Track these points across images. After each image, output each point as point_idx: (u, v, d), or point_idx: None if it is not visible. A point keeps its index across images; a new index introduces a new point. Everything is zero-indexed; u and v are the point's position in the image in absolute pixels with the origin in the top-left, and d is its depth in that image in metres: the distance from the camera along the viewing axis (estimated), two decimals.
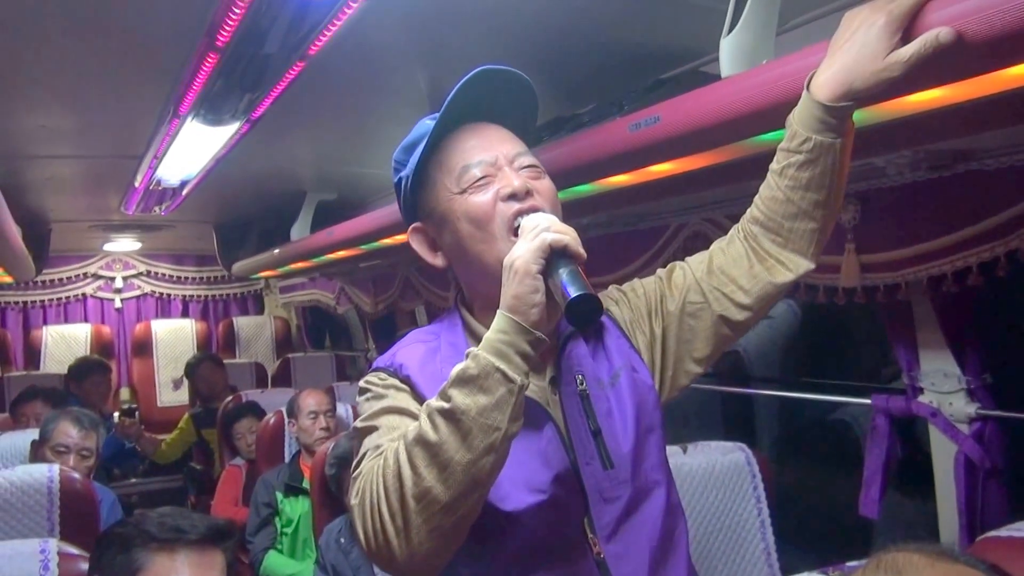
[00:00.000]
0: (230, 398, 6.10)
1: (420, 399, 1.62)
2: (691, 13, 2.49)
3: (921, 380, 2.69)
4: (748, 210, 1.74)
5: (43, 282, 8.90)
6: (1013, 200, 2.18)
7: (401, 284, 6.07)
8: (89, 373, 6.87)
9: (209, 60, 2.72)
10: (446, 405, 1.38)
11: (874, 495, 2.80)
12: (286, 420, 4.89)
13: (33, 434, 3.93)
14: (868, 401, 2.88)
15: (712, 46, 2.13)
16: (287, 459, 4.84)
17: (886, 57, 1.37)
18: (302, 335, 9.41)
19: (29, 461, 3.78)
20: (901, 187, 2.42)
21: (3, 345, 8.49)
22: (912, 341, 2.69)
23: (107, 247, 8.85)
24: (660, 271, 1.86)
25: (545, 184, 1.68)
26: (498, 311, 1.44)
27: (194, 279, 9.72)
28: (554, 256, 1.43)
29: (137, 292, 9.49)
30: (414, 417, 1.54)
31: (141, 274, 9.46)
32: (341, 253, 5.15)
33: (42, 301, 9.03)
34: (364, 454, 1.54)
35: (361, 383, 1.72)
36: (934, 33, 1.30)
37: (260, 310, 10.10)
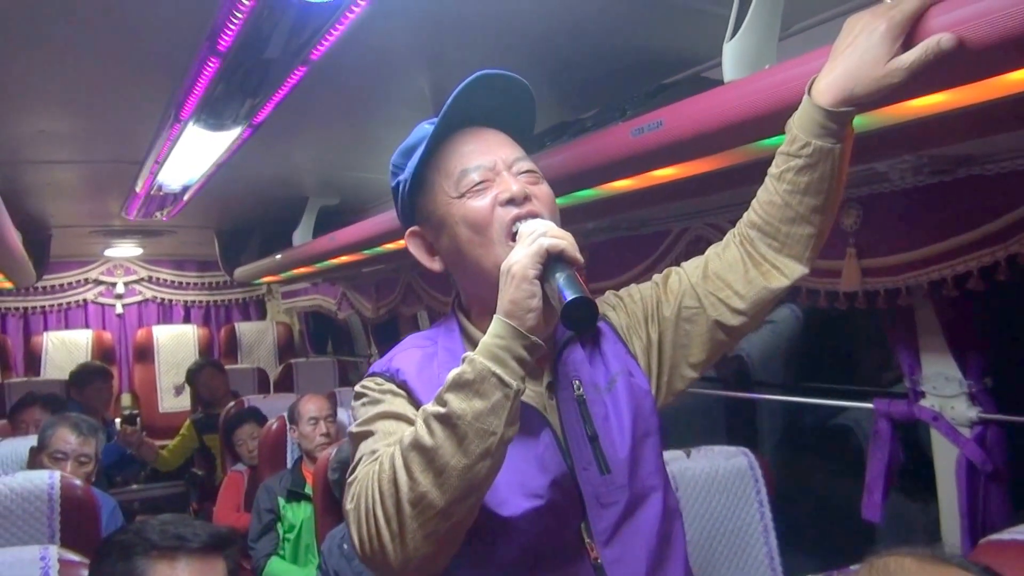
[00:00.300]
0: (232, 404, 6.08)
1: (417, 404, 1.62)
2: (694, 18, 2.49)
3: (923, 384, 2.69)
4: (745, 214, 1.74)
5: (44, 288, 8.89)
6: (1013, 205, 2.19)
7: (403, 289, 6.07)
8: (91, 379, 6.85)
9: (210, 65, 2.72)
10: (442, 410, 1.37)
11: (876, 499, 2.81)
12: (288, 426, 4.87)
13: (32, 441, 3.89)
14: (870, 405, 2.88)
15: (715, 51, 2.13)
16: (289, 465, 4.82)
17: (888, 63, 1.38)
18: (304, 340, 9.42)
19: (27, 468, 3.75)
20: (902, 192, 2.43)
21: (3, 351, 8.49)
22: (913, 345, 2.69)
23: (108, 252, 8.85)
24: (656, 276, 1.86)
25: (543, 189, 1.67)
26: (495, 316, 1.44)
27: (196, 284, 9.72)
28: (551, 261, 1.43)
29: (138, 298, 9.49)
30: (410, 422, 1.54)
31: (142, 279, 9.46)
32: (343, 258, 5.15)
33: (43, 307, 9.02)
34: (360, 459, 1.54)
35: (357, 388, 1.72)
36: (935, 39, 1.31)
37: (262, 315, 10.10)
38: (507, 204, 1.60)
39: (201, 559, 1.87)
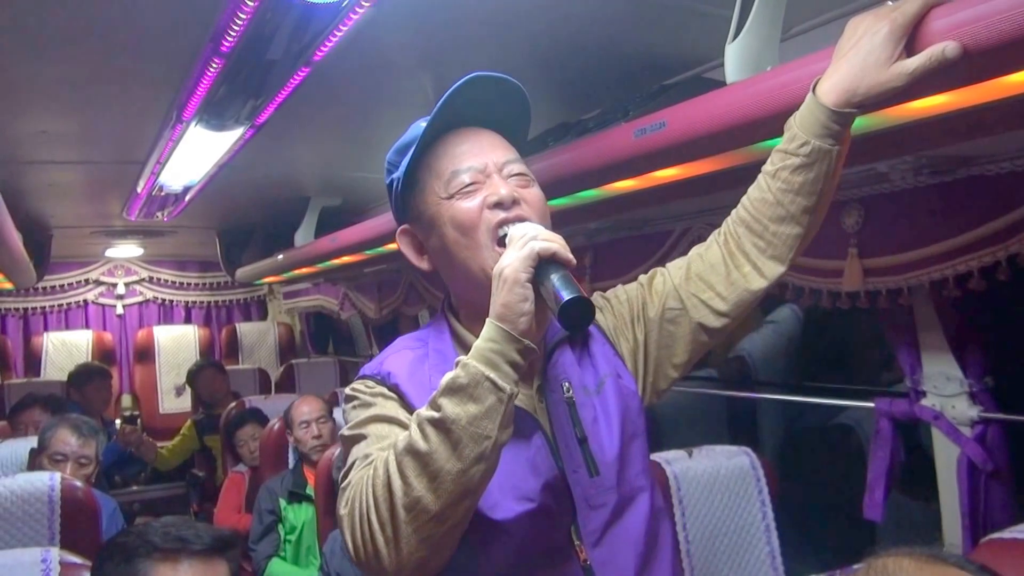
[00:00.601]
0: (233, 404, 6.08)
1: (409, 408, 1.62)
2: (696, 20, 2.50)
3: (923, 383, 2.69)
4: (733, 211, 1.75)
5: (44, 288, 8.88)
6: (1013, 205, 2.19)
7: (405, 289, 6.06)
8: (90, 379, 6.83)
9: (214, 65, 2.72)
10: (436, 414, 1.37)
11: (878, 498, 2.81)
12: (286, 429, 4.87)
13: (32, 442, 3.88)
14: (871, 405, 2.88)
15: (717, 52, 2.14)
16: (291, 466, 4.82)
17: (891, 67, 1.39)
18: (306, 341, 9.41)
19: (27, 469, 3.74)
20: (903, 192, 2.43)
21: (3, 352, 8.47)
22: (914, 345, 2.69)
23: (109, 253, 8.83)
24: (642, 277, 1.87)
25: (533, 193, 1.67)
26: (487, 319, 1.44)
27: (197, 285, 9.71)
28: (544, 264, 1.43)
29: (139, 298, 9.48)
30: (403, 426, 1.55)
31: (143, 280, 9.45)
32: (345, 259, 5.15)
33: (43, 308, 9.01)
34: (352, 463, 1.54)
35: (348, 390, 1.71)
36: (940, 48, 1.32)
37: (264, 316, 10.10)
38: (495, 207, 1.60)
39: (203, 561, 1.87)
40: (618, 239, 3.58)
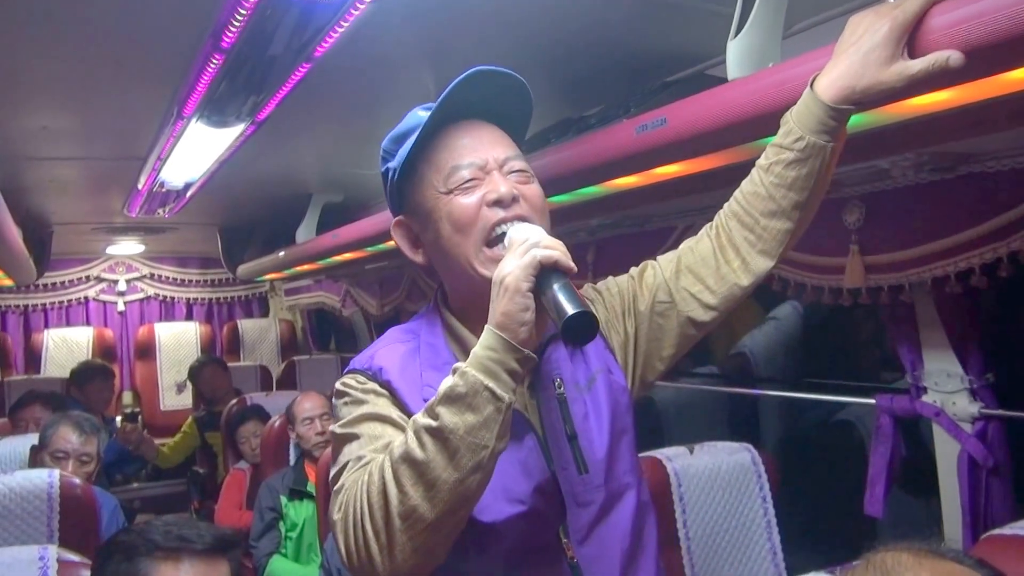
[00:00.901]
0: (234, 401, 6.07)
1: (400, 404, 1.62)
2: (698, 16, 2.50)
3: (924, 380, 2.70)
4: (726, 204, 1.75)
5: (45, 285, 8.89)
6: (1014, 202, 2.19)
7: (407, 285, 6.06)
8: (92, 378, 6.83)
9: (214, 61, 2.72)
10: (434, 423, 1.37)
11: (879, 494, 2.81)
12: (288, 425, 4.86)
13: (32, 439, 3.88)
14: (872, 401, 2.89)
15: (719, 49, 2.14)
16: (292, 463, 4.82)
17: (892, 66, 1.39)
18: (307, 337, 9.41)
19: (28, 467, 3.74)
20: (905, 189, 2.43)
21: (4, 349, 8.48)
22: (915, 341, 2.70)
23: (110, 250, 8.82)
24: (633, 270, 1.86)
25: (533, 190, 1.66)
26: (486, 327, 1.42)
27: (198, 282, 9.71)
28: (544, 272, 1.42)
29: (140, 295, 9.48)
30: (395, 425, 1.55)
31: (144, 277, 9.46)
32: (347, 255, 5.15)
33: (43, 304, 9.02)
34: (345, 464, 1.53)
35: (338, 385, 1.70)
36: (945, 56, 1.32)
37: (265, 313, 10.10)
38: (494, 205, 1.59)
39: (205, 561, 1.87)
40: (620, 236, 3.58)
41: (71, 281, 9.14)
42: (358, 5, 2.35)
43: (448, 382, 1.39)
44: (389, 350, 1.71)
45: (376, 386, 1.64)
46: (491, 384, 1.37)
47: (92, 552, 2.38)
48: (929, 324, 2.65)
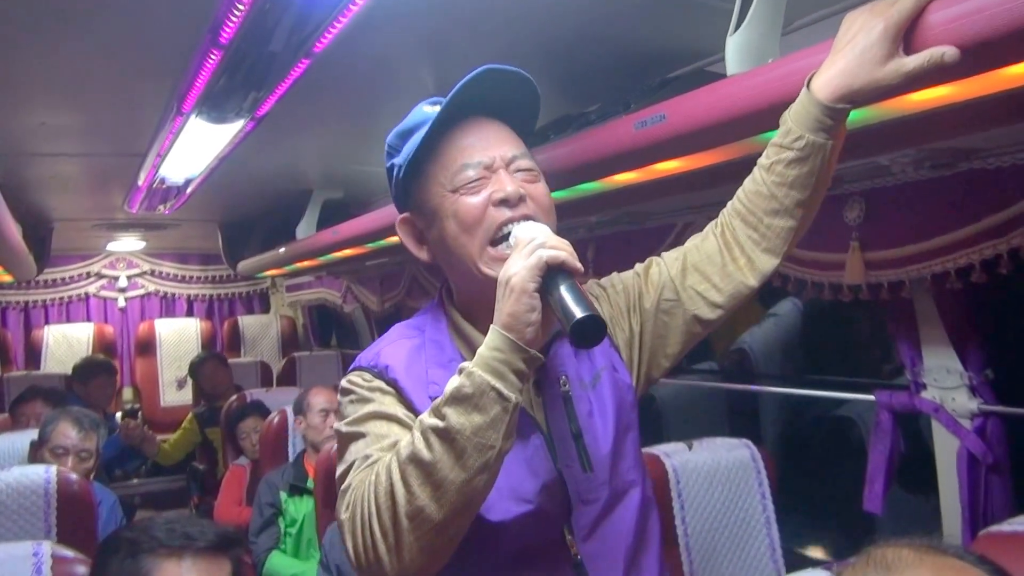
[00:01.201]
0: (234, 397, 6.07)
1: (406, 402, 1.62)
2: (697, 12, 2.49)
3: (924, 376, 2.70)
4: (729, 203, 1.75)
5: (45, 281, 8.91)
6: (1014, 198, 2.19)
7: (408, 282, 6.07)
8: (97, 374, 6.80)
9: (212, 57, 2.72)
10: (440, 424, 1.37)
11: (878, 490, 2.82)
12: (292, 417, 4.84)
13: (32, 434, 3.86)
14: (872, 397, 2.89)
15: (718, 45, 2.14)
16: (291, 459, 4.81)
17: (887, 64, 1.38)
18: (308, 334, 9.42)
19: (28, 462, 3.72)
20: (904, 185, 2.43)
21: (4, 345, 8.49)
22: (915, 337, 2.70)
23: (111, 246, 8.87)
24: (639, 266, 1.85)
25: (540, 189, 1.65)
26: (492, 327, 1.42)
27: (199, 278, 9.73)
28: (551, 272, 1.42)
29: (141, 291, 9.50)
30: (401, 423, 1.55)
31: (145, 273, 9.47)
32: (347, 252, 5.15)
33: (44, 301, 9.04)
34: (352, 463, 1.53)
35: (343, 383, 1.69)
36: (940, 52, 1.31)
37: (266, 309, 10.12)
38: (500, 205, 1.58)
39: (207, 559, 1.87)
40: (620, 232, 3.58)
41: (72, 277, 9.16)
42: (357, 1, 2.34)
43: (455, 382, 1.39)
44: (394, 347, 1.71)
45: (382, 384, 1.64)
46: (498, 384, 1.37)
47: (89, 548, 2.38)
48: (929, 320, 2.65)
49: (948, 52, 1.30)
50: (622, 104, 2.50)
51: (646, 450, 2.74)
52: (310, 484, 4.33)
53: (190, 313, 9.68)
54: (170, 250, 9.40)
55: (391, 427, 1.55)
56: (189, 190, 5.42)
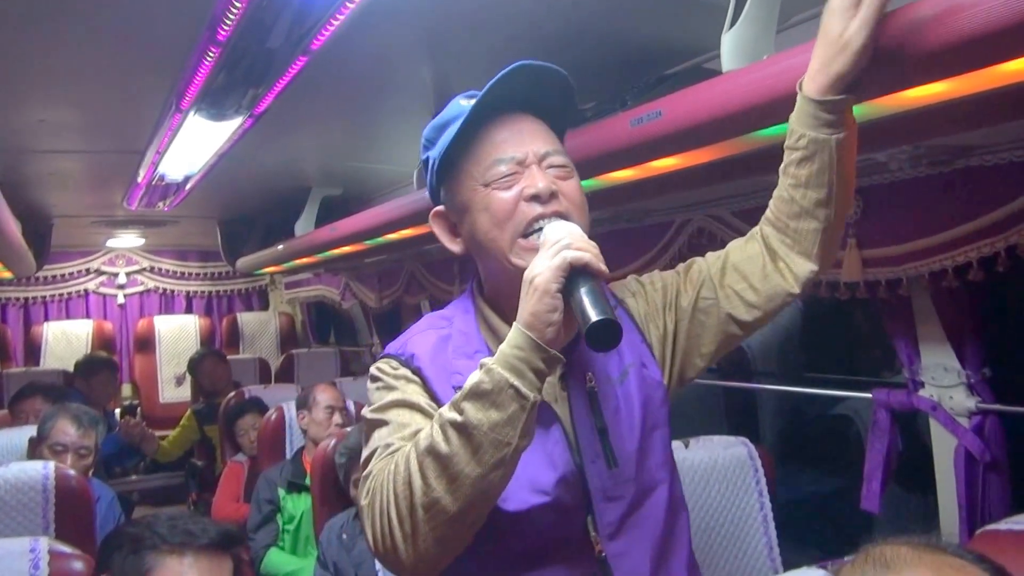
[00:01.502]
0: (232, 394, 6.08)
1: (430, 392, 1.63)
2: (693, 9, 2.50)
3: (921, 374, 2.70)
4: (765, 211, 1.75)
5: (45, 278, 8.92)
6: (1012, 196, 2.19)
7: (406, 278, 6.08)
8: (98, 371, 6.78)
9: (211, 54, 2.72)
10: (459, 418, 1.38)
11: (875, 489, 2.81)
12: (295, 412, 4.83)
13: (31, 431, 3.85)
14: (869, 395, 2.89)
15: (714, 42, 2.14)
16: (289, 455, 4.82)
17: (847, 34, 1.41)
18: (307, 330, 9.42)
19: (27, 458, 3.71)
20: (902, 182, 2.43)
21: (3, 341, 8.50)
22: (912, 335, 2.69)
23: (110, 243, 8.88)
24: (680, 265, 1.86)
25: (572, 185, 1.66)
26: (514, 324, 1.44)
27: (198, 275, 9.75)
28: (574, 273, 1.43)
29: (140, 288, 9.51)
30: (423, 412, 1.57)
31: (144, 270, 9.48)
32: (346, 248, 5.16)
33: (43, 297, 9.05)
34: (374, 451, 1.55)
35: (372, 369, 1.71)
36: None
37: (265, 306, 10.13)
38: (531, 200, 1.59)
39: (209, 556, 1.89)
40: (617, 230, 3.57)
41: (71, 274, 9.17)
42: None
43: (474, 377, 1.41)
44: (422, 336, 1.73)
45: (408, 372, 1.66)
46: (516, 382, 1.38)
47: (87, 544, 2.38)
48: (926, 318, 2.64)
49: None
50: (618, 101, 2.49)
51: None
52: (308, 481, 4.33)
53: (189, 310, 9.69)
54: (169, 247, 9.41)
55: (414, 416, 1.58)
56: (188, 187, 5.43)
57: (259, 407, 5.54)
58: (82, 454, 3.67)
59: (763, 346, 4.38)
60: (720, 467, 2.80)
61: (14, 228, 4.77)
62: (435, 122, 1.75)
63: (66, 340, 8.64)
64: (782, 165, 1.64)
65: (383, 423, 1.58)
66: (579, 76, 2.99)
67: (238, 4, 2.34)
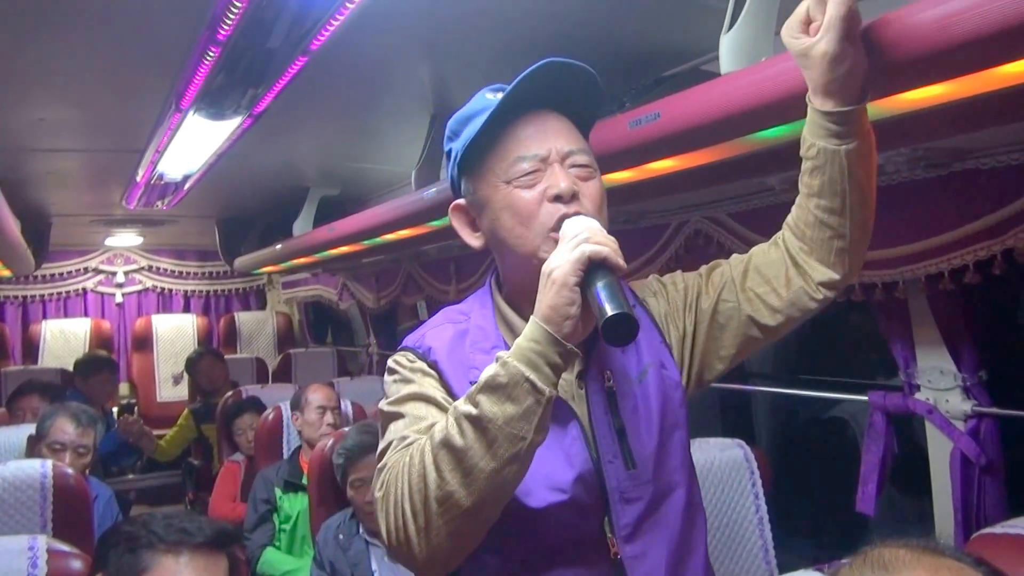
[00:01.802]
0: (230, 393, 6.06)
1: (447, 387, 1.63)
2: (691, 11, 2.50)
3: (918, 377, 2.70)
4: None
5: (43, 276, 8.92)
6: (1009, 198, 2.20)
7: (404, 279, 6.08)
8: (99, 370, 6.76)
9: (210, 54, 2.72)
10: (474, 411, 1.38)
11: (871, 491, 2.82)
12: (289, 413, 4.85)
13: (29, 429, 3.85)
14: (865, 398, 2.89)
15: (712, 45, 2.14)
16: (286, 455, 4.81)
17: (820, 42, 1.43)
18: (304, 330, 9.42)
19: (25, 456, 3.72)
20: (899, 185, 2.43)
21: (1, 339, 8.50)
22: (909, 338, 2.70)
23: (108, 242, 8.88)
24: (703, 267, 1.85)
25: (593, 187, 1.65)
26: (531, 318, 1.43)
27: (196, 274, 9.75)
28: (593, 267, 1.42)
29: (138, 287, 9.51)
30: (440, 406, 1.57)
31: (142, 269, 9.48)
32: (343, 249, 5.16)
33: (42, 296, 9.05)
34: (389, 443, 1.55)
35: (390, 362, 1.71)
36: None
37: (262, 305, 10.13)
38: (555, 200, 1.58)
39: (204, 555, 1.88)
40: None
41: (69, 272, 9.17)
42: None
43: (490, 370, 1.41)
44: (440, 330, 1.73)
45: (424, 365, 1.66)
46: (532, 376, 1.38)
47: (85, 542, 2.38)
48: (923, 321, 2.65)
49: None
50: (616, 102, 2.49)
51: None
52: (305, 480, 4.32)
53: (187, 309, 9.69)
54: (167, 246, 9.41)
55: (429, 409, 1.57)
56: (187, 186, 5.43)
57: (257, 407, 5.52)
58: (80, 453, 3.67)
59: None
60: (716, 469, 2.80)
61: (13, 227, 4.77)
62: (460, 114, 1.74)
63: (64, 339, 8.64)
64: (800, 174, 1.64)
65: (399, 416, 1.58)
66: None
67: (238, 4, 2.34)
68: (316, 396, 4.65)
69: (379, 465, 1.54)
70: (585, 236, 1.45)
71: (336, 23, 2.51)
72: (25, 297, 8.97)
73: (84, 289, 9.27)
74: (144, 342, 8.96)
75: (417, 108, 3.52)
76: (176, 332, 9.08)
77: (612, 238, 1.48)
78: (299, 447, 4.66)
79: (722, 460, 2.82)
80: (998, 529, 1.89)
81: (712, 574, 1.79)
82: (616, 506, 1.62)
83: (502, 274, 1.78)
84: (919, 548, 1.14)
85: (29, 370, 7.42)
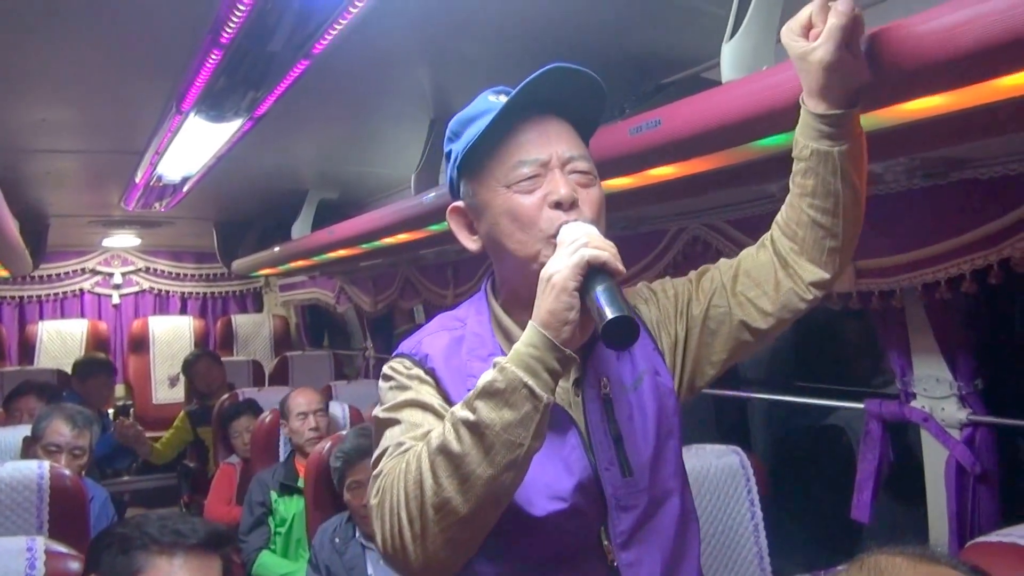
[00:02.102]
0: (225, 396, 6.06)
1: (444, 393, 1.62)
2: (693, 19, 2.51)
3: (914, 385, 2.70)
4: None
5: (40, 277, 8.91)
6: (1006, 208, 2.20)
7: (401, 283, 6.08)
8: (97, 372, 6.74)
9: (213, 57, 2.73)
10: (471, 417, 1.37)
11: (866, 499, 2.82)
12: (280, 420, 4.86)
13: (25, 430, 3.87)
14: (861, 406, 2.89)
15: (713, 52, 2.15)
16: (282, 458, 4.80)
17: (815, 51, 1.44)
18: (301, 333, 9.41)
19: (21, 458, 3.73)
20: (897, 194, 2.44)
21: None
22: (905, 347, 2.70)
23: (106, 243, 8.87)
24: (692, 273, 1.84)
25: (593, 193, 1.64)
26: (530, 323, 1.43)
27: (193, 276, 9.74)
28: (592, 272, 1.42)
29: (135, 288, 9.50)
30: (436, 413, 1.55)
31: (140, 270, 9.48)
32: (341, 252, 5.16)
33: (38, 296, 9.03)
34: (385, 450, 1.54)
35: (385, 368, 1.70)
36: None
37: (259, 308, 10.12)
38: (555, 207, 1.57)
39: (198, 556, 1.88)
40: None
41: (67, 273, 9.16)
42: (356, 3, 2.35)
43: (488, 376, 1.40)
44: (435, 337, 1.71)
45: (421, 372, 1.65)
46: (530, 382, 1.37)
47: (81, 544, 2.38)
48: (919, 329, 2.65)
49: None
50: (617, 109, 2.50)
51: None
52: (301, 484, 4.32)
53: (184, 311, 9.68)
54: (165, 248, 9.40)
55: (426, 416, 1.56)
56: (186, 188, 5.43)
57: (253, 409, 5.52)
58: (76, 454, 3.68)
59: (754, 355, 4.38)
60: (712, 476, 2.80)
61: (12, 227, 4.77)
62: (461, 115, 1.73)
63: (60, 340, 8.63)
64: (791, 175, 1.64)
65: (395, 422, 1.57)
66: None
67: (242, 7, 2.34)
68: (297, 401, 4.65)
69: (374, 472, 1.53)
70: (584, 241, 1.45)
71: (338, 27, 2.52)
72: (22, 297, 8.96)
73: (81, 290, 9.27)
74: (140, 344, 8.94)
75: (417, 112, 3.52)
76: (173, 334, 9.06)
77: (611, 243, 1.47)
78: (294, 450, 4.65)
79: (718, 467, 2.82)
80: (992, 537, 1.90)
81: None
82: (613, 513, 1.61)
83: (499, 279, 1.77)
84: (915, 555, 1.14)
85: (25, 371, 7.41)
